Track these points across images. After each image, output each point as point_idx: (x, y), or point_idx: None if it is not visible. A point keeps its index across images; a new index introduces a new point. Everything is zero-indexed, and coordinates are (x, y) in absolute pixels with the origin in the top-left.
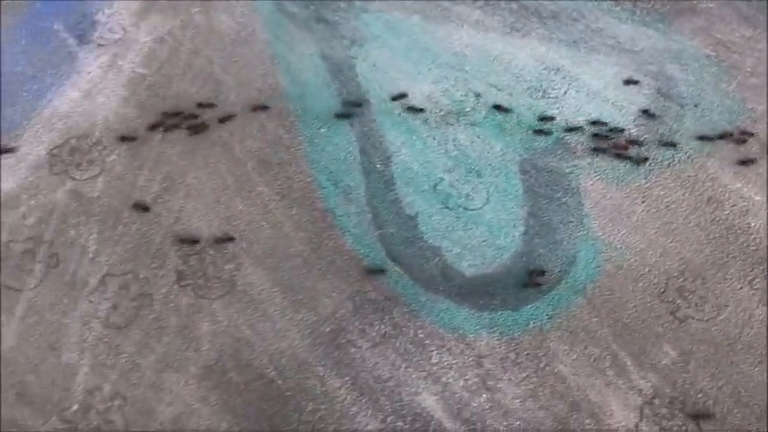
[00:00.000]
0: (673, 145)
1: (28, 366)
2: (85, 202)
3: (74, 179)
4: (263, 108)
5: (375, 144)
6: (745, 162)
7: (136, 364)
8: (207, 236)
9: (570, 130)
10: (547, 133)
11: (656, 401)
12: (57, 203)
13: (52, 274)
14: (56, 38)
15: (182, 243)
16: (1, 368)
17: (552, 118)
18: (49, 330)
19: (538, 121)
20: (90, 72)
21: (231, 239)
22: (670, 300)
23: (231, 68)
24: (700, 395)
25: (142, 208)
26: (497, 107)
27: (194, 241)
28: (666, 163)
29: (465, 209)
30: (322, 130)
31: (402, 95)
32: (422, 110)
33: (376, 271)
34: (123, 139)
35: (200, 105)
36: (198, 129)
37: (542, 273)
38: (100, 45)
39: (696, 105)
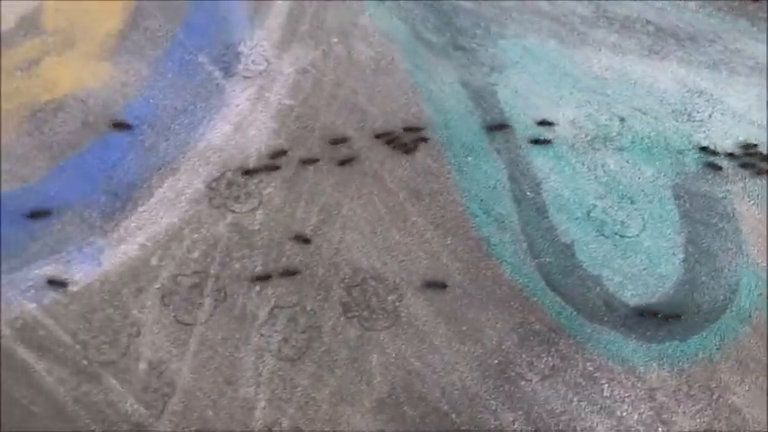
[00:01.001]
0: None
1: (206, 401)
2: (247, 235)
3: (234, 212)
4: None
5: (523, 171)
6: None
7: (311, 398)
8: (366, 267)
9: (718, 153)
10: (692, 158)
11: None
12: (219, 237)
13: (221, 308)
14: (202, 70)
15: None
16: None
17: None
18: (223, 365)
19: (689, 147)
20: (239, 105)
21: (444, 286)
22: None
23: (375, 98)
24: None
25: (303, 240)
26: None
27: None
28: None
29: (621, 236)
30: (469, 159)
31: (548, 123)
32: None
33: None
34: (305, 162)
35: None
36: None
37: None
38: (245, 77)
39: None
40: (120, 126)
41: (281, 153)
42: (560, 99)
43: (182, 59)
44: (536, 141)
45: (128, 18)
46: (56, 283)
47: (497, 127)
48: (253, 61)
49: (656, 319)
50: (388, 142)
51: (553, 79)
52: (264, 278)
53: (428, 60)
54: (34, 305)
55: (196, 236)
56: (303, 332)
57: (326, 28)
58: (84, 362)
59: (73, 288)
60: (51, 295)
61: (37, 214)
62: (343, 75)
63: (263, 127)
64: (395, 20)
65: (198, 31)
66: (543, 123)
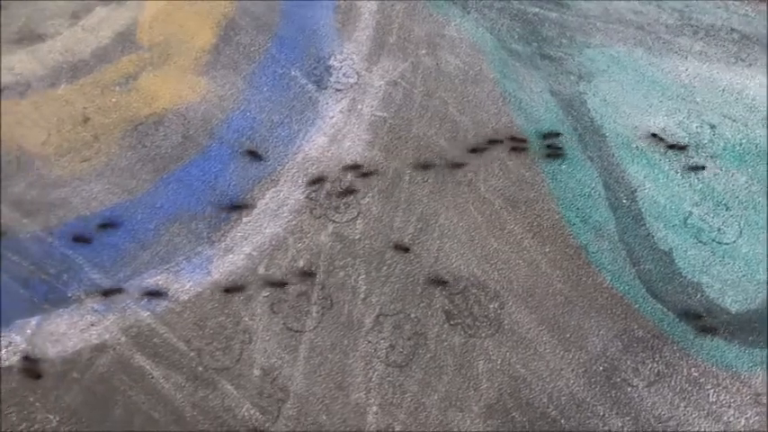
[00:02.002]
0: None
1: (320, 406)
2: (349, 244)
3: (334, 222)
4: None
5: (618, 179)
6: None
7: (421, 403)
8: (466, 274)
9: None
10: None
11: None
12: (322, 246)
13: (328, 316)
14: (295, 84)
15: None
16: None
17: None
18: (334, 370)
19: None
20: (332, 117)
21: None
22: None
23: (465, 108)
24: None
25: (403, 249)
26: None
27: (443, 282)
28: None
29: (719, 243)
30: (563, 167)
31: (657, 136)
32: (684, 147)
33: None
34: (425, 167)
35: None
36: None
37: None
38: (337, 90)
39: None
40: (254, 155)
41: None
42: (650, 107)
43: (275, 73)
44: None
45: (220, 33)
46: (154, 294)
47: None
48: (344, 74)
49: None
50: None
51: (641, 87)
52: None
53: (516, 70)
54: (148, 313)
55: (300, 245)
56: (409, 339)
57: (414, 40)
58: (200, 368)
59: (184, 297)
60: (164, 304)
61: (106, 226)
62: (432, 85)
63: (358, 138)
64: (481, 30)
65: (289, 44)
66: (654, 136)
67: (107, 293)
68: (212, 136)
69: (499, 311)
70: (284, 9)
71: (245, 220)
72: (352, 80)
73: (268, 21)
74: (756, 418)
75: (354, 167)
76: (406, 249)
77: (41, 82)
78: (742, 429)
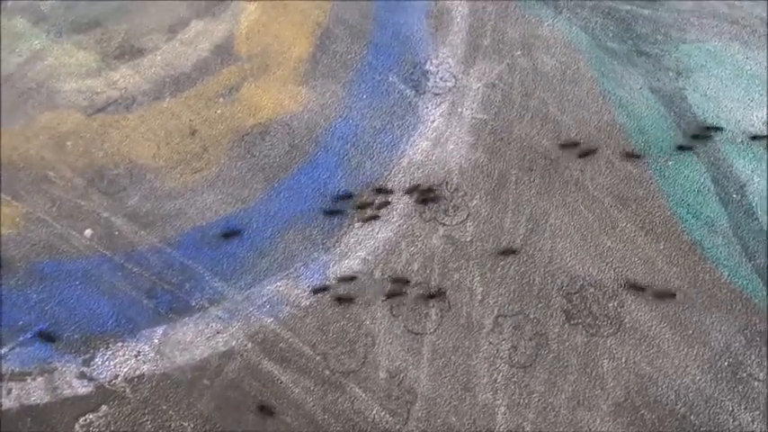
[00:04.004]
0: None
1: (448, 407)
2: (461, 246)
3: (444, 225)
4: (636, 156)
5: (726, 174)
6: None
7: (549, 403)
8: (582, 273)
9: None
10: None
11: None
12: (434, 249)
13: (447, 318)
14: (394, 90)
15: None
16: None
17: None
18: (458, 372)
19: None
20: (434, 121)
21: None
22: None
23: (566, 108)
24: None
25: (511, 252)
26: None
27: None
28: None
29: None
30: (670, 163)
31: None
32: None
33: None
34: (530, 168)
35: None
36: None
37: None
38: (436, 94)
39: None
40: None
41: (460, 174)
42: (751, 101)
43: (373, 80)
44: (754, 137)
45: (316, 42)
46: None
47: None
48: (441, 78)
49: None
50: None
51: (741, 81)
52: None
53: (613, 68)
54: (272, 319)
55: (413, 249)
56: (530, 339)
57: (508, 41)
58: (327, 372)
59: (305, 302)
60: (287, 309)
61: (229, 235)
62: (531, 86)
63: (461, 141)
64: (575, 29)
65: (384, 51)
66: (756, 138)
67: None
68: (318, 144)
69: (619, 310)
70: (377, 16)
71: (357, 225)
72: (449, 84)
73: (362, 28)
74: None
75: (461, 174)
76: (514, 252)
77: (146, 96)
78: None
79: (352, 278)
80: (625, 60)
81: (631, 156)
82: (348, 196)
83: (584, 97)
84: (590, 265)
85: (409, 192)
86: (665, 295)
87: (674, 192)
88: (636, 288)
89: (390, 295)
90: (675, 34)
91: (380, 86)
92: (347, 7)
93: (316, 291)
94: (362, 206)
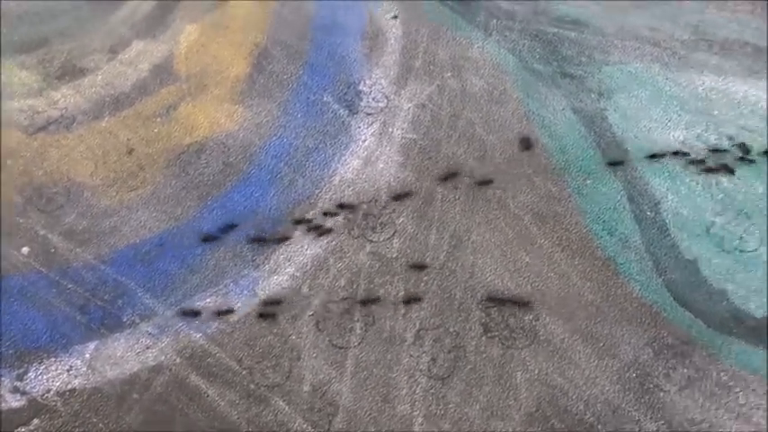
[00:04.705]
0: None
1: (368, 419)
2: (387, 262)
3: (372, 241)
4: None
5: (641, 192)
6: None
7: (464, 414)
8: (501, 288)
9: None
10: None
11: None
12: (361, 265)
13: (371, 332)
14: (328, 109)
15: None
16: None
17: None
18: (379, 384)
19: None
20: (365, 140)
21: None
22: None
23: (492, 128)
24: None
25: (420, 267)
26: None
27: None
28: None
29: (742, 251)
30: (588, 182)
31: (684, 153)
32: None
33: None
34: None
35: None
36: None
37: None
38: (368, 114)
39: None
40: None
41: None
42: (669, 121)
43: (308, 99)
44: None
45: (253, 62)
46: (188, 314)
47: (617, 163)
48: (373, 98)
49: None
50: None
51: (660, 102)
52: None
53: (538, 89)
54: (200, 335)
55: (340, 265)
56: (449, 352)
57: (439, 63)
58: (252, 386)
59: (233, 318)
60: (215, 325)
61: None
62: (459, 107)
63: (390, 160)
64: (503, 51)
65: (320, 71)
66: (677, 154)
67: (185, 313)
68: (251, 162)
69: (534, 323)
70: (314, 37)
71: (286, 242)
72: (381, 104)
73: (299, 49)
74: None
75: (389, 192)
76: (423, 267)
77: (85, 115)
78: None
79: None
80: (550, 82)
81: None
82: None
83: (510, 117)
84: (508, 280)
85: (341, 209)
86: (523, 304)
87: (591, 209)
88: (496, 300)
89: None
90: (599, 56)
91: (315, 106)
92: (285, 28)
93: (220, 313)
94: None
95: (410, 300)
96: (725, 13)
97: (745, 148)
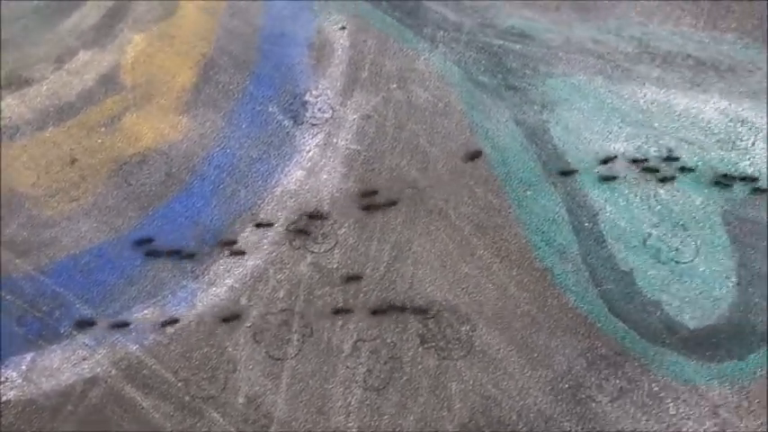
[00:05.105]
0: None
1: (302, 431)
2: (327, 273)
3: (313, 252)
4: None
5: (580, 203)
6: None
7: (398, 425)
8: (439, 299)
9: (763, 179)
10: (739, 185)
11: None
12: (301, 276)
13: (308, 343)
14: (273, 120)
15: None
16: None
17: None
18: (315, 396)
19: (728, 176)
20: (309, 151)
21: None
22: None
23: (435, 139)
24: None
25: (355, 278)
26: (683, 168)
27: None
28: None
29: (677, 262)
30: (528, 193)
31: (610, 159)
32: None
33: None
34: (361, 212)
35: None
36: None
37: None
38: (313, 125)
39: None
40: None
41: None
42: (610, 133)
43: (253, 110)
44: (604, 179)
45: (200, 72)
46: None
47: (565, 173)
48: (319, 109)
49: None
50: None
51: (602, 114)
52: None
53: (482, 101)
54: (137, 346)
55: (280, 276)
56: (385, 363)
57: (385, 74)
58: (187, 398)
59: (170, 330)
60: (152, 336)
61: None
62: (404, 118)
63: (334, 171)
64: (449, 63)
65: (266, 82)
66: (606, 161)
67: (115, 326)
68: (194, 173)
69: (470, 334)
70: (261, 47)
71: (226, 253)
72: (327, 115)
73: (246, 59)
74: (714, 429)
75: (332, 203)
76: (358, 278)
77: (29, 125)
78: None
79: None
80: (494, 94)
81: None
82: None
83: (454, 129)
84: (446, 291)
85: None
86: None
87: (531, 220)
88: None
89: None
90: (544, 69)
91: (259, 116)
92: (232, 39)
93: (164, 323)
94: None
95: (340, 311)
96: (668, 26)
97: (682, 161)
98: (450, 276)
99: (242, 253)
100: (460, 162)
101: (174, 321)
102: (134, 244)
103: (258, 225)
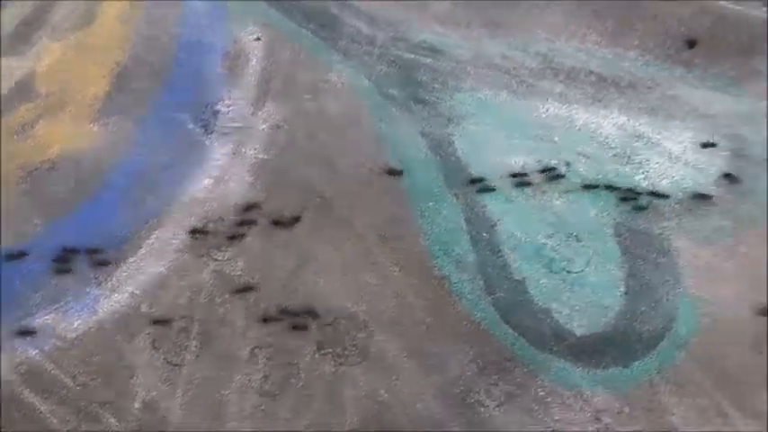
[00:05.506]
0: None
1: None
2: (229, 281)
3: (216, 260)
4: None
5: (479, 214)
6: None
7: (291, 429)
8: (338, 306)
9: (656, 194)
10: (633, 199)
11: None
12: (203, 284)
13: (207, 350)
14: (184, 128)
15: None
16: None
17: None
18: (210, 402)
19: (621, 189)
20: (218, 159)
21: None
22: (764, 351)
23: (344, 151)
24: None
25: (247, 289)
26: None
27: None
28: (748, 220)
29: (568, 272)
30: (430, 204)
31: (480, 179)
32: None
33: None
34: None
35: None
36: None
37: None
38: (223, 134)
39: None
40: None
41: (253, 206)
42: (511, 147)
43: (165, 118)
44: (504, 191)
45: (113, 80)
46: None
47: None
48: (230, 118)
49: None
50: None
51: (505, 128)
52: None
53: (391, 114)
54: (37, 351)
55: (182, 283)
56: (282, 369)
57: (298, 85)
58: (84, 402)
59: (71, 335)
60: (52, 342)
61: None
62: (314, 129)
63: (241, 180)
64: (360, 76)
65: (179, 90)
66: (507, 174)
67: (18, 332)
68: (102, 180)
69: (367, 341)
70: (176, 56)
71: (130, 260)
72: (237, 124)
73: (160, 68)
74: None
75: (238, 211)
76: (250, 289)
77: None
78: None
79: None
80: (403, 107)
81: (393, 173)
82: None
83: (362, 141)
84: (346, 299)
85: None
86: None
87: (432, 230)
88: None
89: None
90: (452, 83)
91: (171, 125)
92: (148, 47)
93: (20, 333)
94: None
95: (240, 318)
96: (574, 42)
97: (579, 174)
98: (351, 285)
99: (107, 263)
100: (368, 173)
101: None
102: (7, 257)
103: (163, 232)
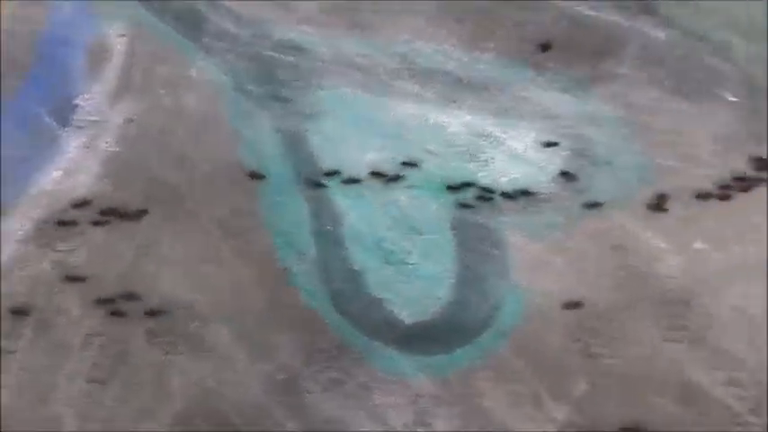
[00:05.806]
0: (594, 205)
1: (21, 419)
2: (69, 271)
3: (58, 251)
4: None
5: (326, 208)
6: (655, 210)
7: (116, 414)
8: (175, 297)
9: (492, 190)
10: (470, 194)
11: (569, 429)
12: (43, 273)
13: (42, 337)
14: (40, 122)
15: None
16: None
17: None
18: (39, 387)
19: (462, 185)
20: (70, 152)
21: None
22: (583, 339)
23: (200, 145)
24: (607, 423)
25: (75, 279)
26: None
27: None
28: (579, 217)
29: (404, 263)
30: (278, 198)
31: (335, 172)
32: (359, 180)
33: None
34: (113, 212)
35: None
36: None
37: None
38: (79, 127)
39: (609, 164)
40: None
41: (99, 199)
42: (364, 144)
43: (22, 112)
44: (351, 186)
45: None
46: None
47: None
48: (87, 112)
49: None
50: None
51: (360, 126)
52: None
53: (249, 110)
54: None
55: (23, 273)
56: (112, 357)
57: (157, 80)
58: None
59: None
60: None
61: None
62: (169, 123)
63: (91, 173)
64: (220, 72)
65: (39, 84)
66: (330, 174)
67: None
68: None
69: (201, 331)
70: (38, 49)
71: None
72: (94, 118)
73: (22, 62)
74: (413, 417)
75: (85, 203)
76: (80, 279)
77: None
78: (400, 427)
79: None
80: (260, 103)
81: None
82: None
83: (218, 136)
84: (185, 290)
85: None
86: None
87: (278, 224)
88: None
89: None
90: (314, 80)
91: (27, 118)
92: (10, 40)
93: None
94: None
95: (76, 307)
96: (432, 44)
97: (425, 170)
98: (192, 276)
99: None
100: (220, 168)
101: None
102: None
103: (8, 224)
